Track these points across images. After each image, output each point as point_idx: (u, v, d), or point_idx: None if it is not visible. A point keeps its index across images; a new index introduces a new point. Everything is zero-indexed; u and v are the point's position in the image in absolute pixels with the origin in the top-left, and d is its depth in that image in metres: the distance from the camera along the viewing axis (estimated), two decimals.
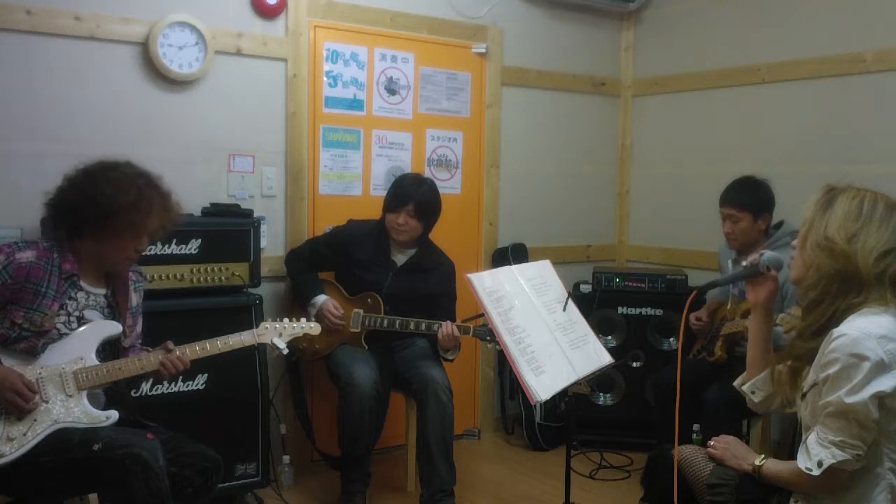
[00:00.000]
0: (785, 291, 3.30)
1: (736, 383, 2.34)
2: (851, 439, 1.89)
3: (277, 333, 2.72)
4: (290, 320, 2.77)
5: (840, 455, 1.89)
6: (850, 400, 1.86)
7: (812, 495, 2.00)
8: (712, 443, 2.28)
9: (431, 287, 3.61)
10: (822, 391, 1.93)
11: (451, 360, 3.53)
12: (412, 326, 3.43)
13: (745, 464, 2.16)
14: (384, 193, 3.69)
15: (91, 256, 2.48)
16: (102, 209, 2.39)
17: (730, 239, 3.57)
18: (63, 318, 2.44)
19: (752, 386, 2.26)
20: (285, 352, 2.74)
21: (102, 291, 2.55)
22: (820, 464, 1.91)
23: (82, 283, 2.48)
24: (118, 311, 2.56)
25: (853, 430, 1.88)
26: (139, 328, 2.69)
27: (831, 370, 1.89)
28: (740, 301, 3.54)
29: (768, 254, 2.22)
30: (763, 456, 2.15)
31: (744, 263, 2.28)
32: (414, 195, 3.49)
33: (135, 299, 2.64)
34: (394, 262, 3.61)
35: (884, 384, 1.86)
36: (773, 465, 2.11)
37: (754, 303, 2.26)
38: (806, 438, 1.99)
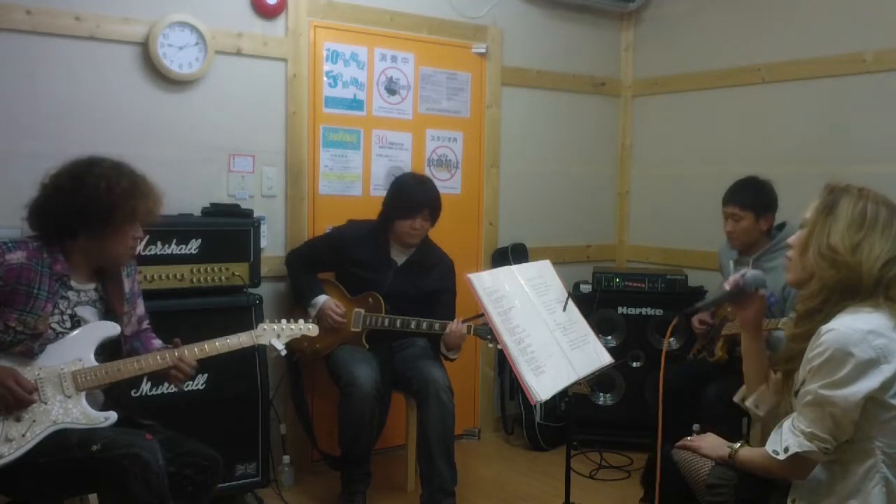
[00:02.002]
0: (787, 294, 3.29)
1: (737, 398, 2.34)
2: (822, 433, 1.90)
3: (276, 334, 2.72)
4: (289, 321, 2.77)
5: (806, 445, 1.91)
6: (827, 392, 1.88)
7: (809, 491, 2.01)
8: (689, 439, 2.32)
9: (432, 285, 3.62)
10: (806, 381, 1.94)
11: (453, 360, 3.53)
12: (413, 326, 3.43)
13: (721, 451, 2.19)
14: (384, 193, 3.70)
15: (86, 255, 2.47)
16: (103, 204, 2.38)
17: (731, 238, 3.56)
18: (56, 318, 2.43)
19: (754, 401, 2.25)
20: (283, 353, 2.74)
21: (92, 286, 2.54)
22: (786, 449, 1.94)
23: (72, 283, 2.48)
24: (110, 303, 2.55)
25: (826, 423, 1.89)
26: (140, 311, 2.69)
27: (816, 361, 1.90)
28: None
29: (750, 273, 2.22)
30: (741, 443, 2.18)
31: (725, 286, 2.27)
32: (428, 201, 3.53)
33: (127, 285, 2.63)
34: (394, 262, 3.62)
35: (873, 381, 1.86)
36: (747, 451, 2.14)
37: (743, 323, 2.27)
38: (782, 423, 2.02)
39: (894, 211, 2.00)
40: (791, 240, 2.11)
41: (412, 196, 3.53)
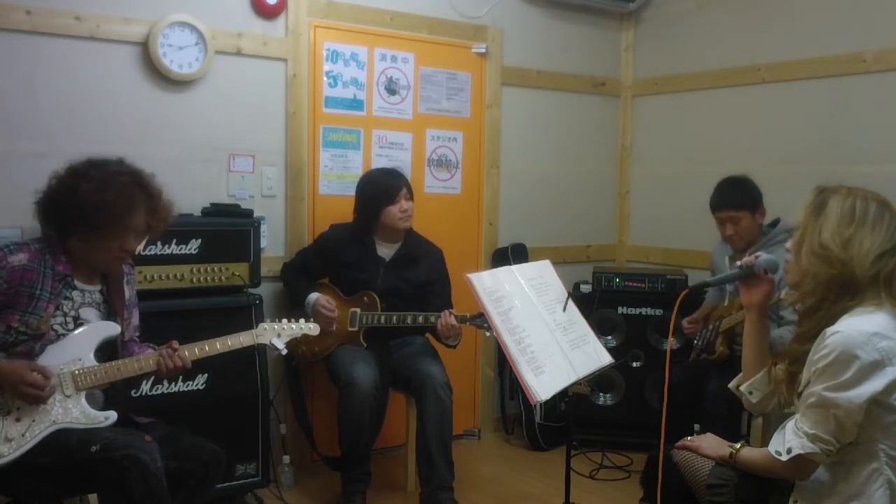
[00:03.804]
0: (782, 287, 3.29)
1: (731, 385, 2.35)
2: (825, 434, 1.90)
3: (276, 334, 2.71)
4: (289, 321, 2.76)
5: (809, 447, 1.91)
6: (830, 394, 1.88)
7: (811, 492, 2.01)
8: (689, 439, 2.32)
9: (424, 275, 3.63)
10: (810, 382, 1.95)
11: (454, 346, 3.53)
12: (409, 320, 3.43)
13: (722, 451, 2.19)
14: None
15: (82, 256, 2.47)
16: (82, 208, 2.37)
17: (733, 241, 3.54)
18: (59, 319, 2.43)
19: (749, 387, 2.27)
20: (284, 352, 2.74)
21: (97, 288, 2.54)
22: (789, 450, 1.94)
23: (76, 283, 2.47)
24: (113, 306, 2.55)
25: (830, 425, 1.90)
26: (135, 321, 2.68)
27: (821, 363, 1.90)
28: (736, 297, 3.54)
29: (764, 256, 2.22)
30: (742, 443, 2.18)
31: (738, 264, 2.28)
32: (403, 180, 3.61)
33: (127, 291, 2.63)
34: (382, 258, 3.62)
35: (877, 384, 1.86)
36: (748, 452, 2.15)
37: (748, 304, 2.27)
38: (786, 424, 2.02)
39: (884, 206, 2.01)
40: (788, 244, 2.12)
41: (387, 181, 3.59)
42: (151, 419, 2.60)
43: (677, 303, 2.27)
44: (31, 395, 2.29)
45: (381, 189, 3.57)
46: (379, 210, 3.56)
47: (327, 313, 3.47)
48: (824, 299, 1.97)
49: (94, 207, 2.37)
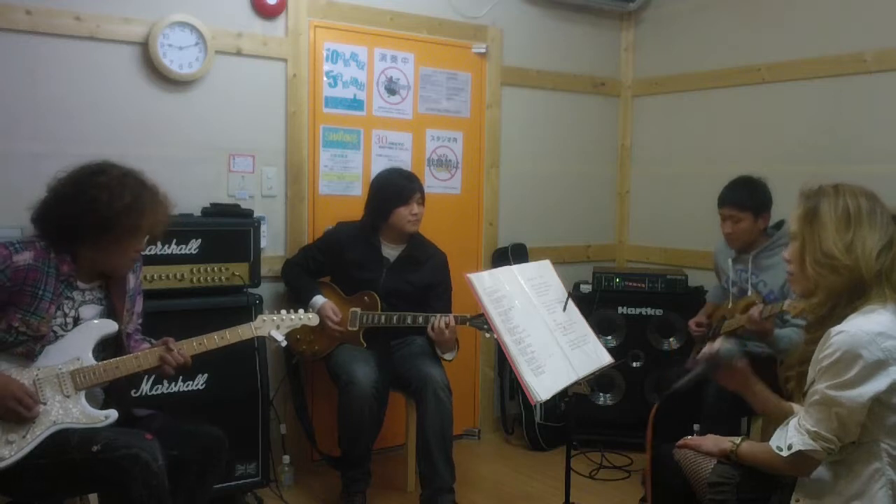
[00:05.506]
0: (786, 291, 3.29)
1: (772, 445, 2.15)
2: (827, 433, 1.91)
3: (275, 326, 2.70)
4: (288, 312, 2.76)
5: (810, 444, 1.92)
6: (834, 393, 1.89)
7: (813, 490, 2.01)
8: (689, 438, 2.32)
9: (426, 279, 3.63)
10: (815, 381, 1.95)
11: (450, 361, 3.53)
12: (409, 321, 3.43)
13: (724, 444, 2.18)
14: None
15: (91, 260, 2.46)
16: (100, 217, 2.35)
17: (731, 240, 3.55)
18: (59, 320, 2.42)
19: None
20: (283, 344, 2.73)
21: (97, 283, 2.53)
22: (790, 447, 1.95)
23: (78, 283, 2.47)
24: (112, 300, 2.54)
25: (832, 424, 1.90)
26: (139, 308, 2.68)
27: (825, 362, 1.91)
28: (739, 299, 3.54)
29: (724, 347, 2.20)
30: (743, 437, 2.18)
31: (698, 359, 2.25)
32: (418, 184, 3.62)
33: (132, 281, 2.62)
34: (386, 259, 3.62)
35: (880, 383, 1.87)
36: (749, 446, 2.14)
37: (738, 389, 2.24)
38: (789, 420, 2.02)
39: (874, 199, 2.02)
40: (786, 255, 2.12)
41: (403, 183, 3.61)
42: (151, 411, 2.59)
43: (651, 418, 2.24)
44: (16, 413, 2.28)
45: (395, 189, 3.58)
46: (390, 210, 3.56)
47: (333, 326, 3.47)
48: (836, 306, 1.98)
49: (112, 216, 2.35)
